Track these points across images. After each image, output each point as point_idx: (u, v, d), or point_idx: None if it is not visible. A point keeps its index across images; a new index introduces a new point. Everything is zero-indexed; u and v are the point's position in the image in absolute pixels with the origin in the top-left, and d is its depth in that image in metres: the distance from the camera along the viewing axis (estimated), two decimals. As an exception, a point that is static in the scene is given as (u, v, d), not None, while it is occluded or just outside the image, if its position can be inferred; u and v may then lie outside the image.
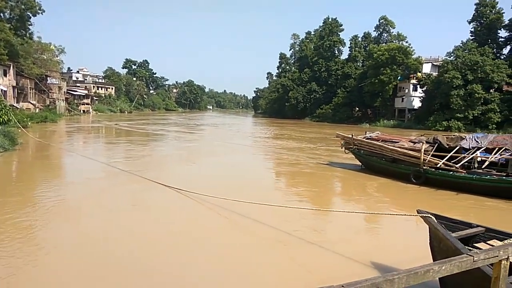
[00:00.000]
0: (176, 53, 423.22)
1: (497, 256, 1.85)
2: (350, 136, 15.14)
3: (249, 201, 7.74)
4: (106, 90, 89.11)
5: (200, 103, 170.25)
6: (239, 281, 5.07)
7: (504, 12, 51.24)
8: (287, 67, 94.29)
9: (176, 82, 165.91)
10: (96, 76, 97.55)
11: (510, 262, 3.65)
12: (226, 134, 35.70)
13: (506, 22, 50.49)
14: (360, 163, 15.17)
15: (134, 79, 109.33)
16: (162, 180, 11.01)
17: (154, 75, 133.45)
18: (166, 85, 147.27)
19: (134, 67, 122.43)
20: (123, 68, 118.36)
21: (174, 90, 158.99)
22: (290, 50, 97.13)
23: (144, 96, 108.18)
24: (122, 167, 13.70)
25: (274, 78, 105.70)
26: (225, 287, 4.95)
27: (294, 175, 14.28)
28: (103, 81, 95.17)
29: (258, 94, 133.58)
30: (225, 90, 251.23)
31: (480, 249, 3.22)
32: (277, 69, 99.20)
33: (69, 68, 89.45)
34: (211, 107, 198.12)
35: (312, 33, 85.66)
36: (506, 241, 3.79)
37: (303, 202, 9.71)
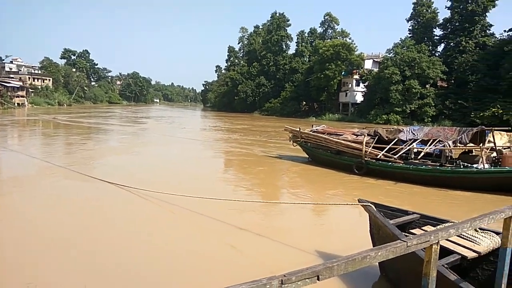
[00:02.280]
0: (119, 43, 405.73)
1: (428, 241, 1.98)
2: (298, 129, 15.49)
3: (193, 195, 7.67)
4: (43, 82, 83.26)
5: (146, 96, 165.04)
6: (184, 275, 5.01)
7: (439, 12, 54.90)
8: (236, 61, 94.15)
9: (120, 73, 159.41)
10: (32, 66, 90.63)
11: (441, 245, 3.97)
12: (173, 128, 34.99)
13: (441, 21, 54.12)
14: (307, 156, 15.58)
15: (74, 70, 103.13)
16: (98, 175, 10.69)
17: (96, 66, 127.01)
18: (109, 77, 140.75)
19: (73, 57, 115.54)
20: (61, 58, 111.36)
21: (118, 82, 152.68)
22: (238, 43, 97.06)
23: (85, 88, 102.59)
24: (56, 162, 13.03)
25: (223, 71, 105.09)
26: (168, 281, 4.86)
27: (242, 168, 14.36)
28: (39, 72, 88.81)
29: (207, 87, 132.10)
30: (172, 83, 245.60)
31: (414, 234, 3.45)
32: (226, 62, 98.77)
33: (0, 58, 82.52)
34: (158, 100, 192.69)
35: (260, 27, 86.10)
36: (438, 226, 4.09)
37: (250, 194, 9.79)
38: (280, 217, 8.03)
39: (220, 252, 5.79)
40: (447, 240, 4.00)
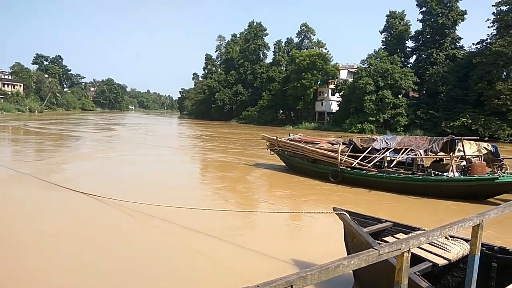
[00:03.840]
0: (94, 49, 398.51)
1: (400, 249, 2.01)
2: (275, 138, 15.56)
3: (164, 205, 7.53)
4: (13, 88, 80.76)
5: (121, 103, 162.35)
6: (158, 285, 4.90)
7: (411, 24, 56.95)
8: (213, 69, 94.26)
9: (94, 80, 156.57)
10: (2, 72, 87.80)
11: (413, 253, 4.04)
12: (148, 136, 34.48)
13: (413, 33, 56.03)
14: (284, 164, 15.65)
15: (46, 76, 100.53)
16: (61, 182, 10.46)
17: (69, 72, 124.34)
18: (83, 83, 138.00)
19: (46, 63, 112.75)
20: (33, 63, 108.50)
21: (92, 89, 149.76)
22: (216, 51, 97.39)
23: (58, 94, 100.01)
24: (22, 169, 12.64)
25: (200, 79, 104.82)
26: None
27: (218, 176, 14.27)
28: (9, 77, 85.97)
29: (184, 95, 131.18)
30: (148, 90, 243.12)
31: (387, 242, 3.50)
32: (203, 70, 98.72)
33: (-33, 62, 79.48)
34: (133, 108, 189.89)
35: (238, 35, 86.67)
36: (410, 234, 4.17)
37: (226, 203, 9.71)
38: (256, 226, 7.99)
39: (193, 263, 5.70)
40: (419, 247, 4.09)
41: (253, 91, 76.28)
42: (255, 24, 78.74)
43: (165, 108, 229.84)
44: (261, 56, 79.74)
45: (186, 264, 5.61)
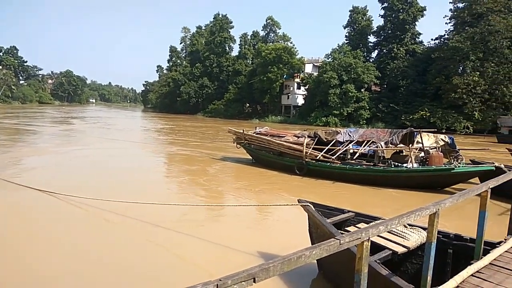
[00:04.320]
0: (51, 39, 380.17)
1: (360, 238, 2.05)
2: (241, 131, 15.54)
3: (126, 200, 7.37)
4: (-38, 79, 75.64)
5: (81, 96, 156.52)
6: (116, 283, 4.78)
7: (373, 20, 58.41)
8: (178, 61, 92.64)
9: (52, 72, 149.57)
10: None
11: (375, 242, 4.16)
12: (110, 130, 33.45)
13: (375, 28, 57.51)
14: (251, 157, 15.68)
15: (0, 67, 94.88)
16: (17, 179, 10.00)
17: (25, 64, 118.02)
18: (40, 75, 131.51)
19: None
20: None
21: (50, 81, 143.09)
22: (180, 43, 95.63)
23: (13, 87, 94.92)
24: None
25: (165, 71, 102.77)
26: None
27: (184, 170, 14.08)
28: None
29: (148, 87, 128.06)
30: (110, 83, 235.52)
31: (349, 232, 3.58)
32: (168, 63, 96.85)
33: None
34: (93, 101, 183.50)
35: (203, 28, 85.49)
36: (370, 223, 4.29)
37: (191, 198, 9.62)
38: (222, 219, 7.97)
39: (155, 258, 5.59)
40: (379, 236, 4.22)
41: (219, 84, 75.69)
42: (220, 16, 77.93)
43: (128, 101, 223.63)
44: (227, 49, 79.13)
45: (148, 260, 5.50)
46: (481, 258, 3.55)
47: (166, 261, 5.52)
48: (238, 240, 6.39)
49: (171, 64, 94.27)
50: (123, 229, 6.91)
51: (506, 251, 3.84)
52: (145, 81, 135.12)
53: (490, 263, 3.52)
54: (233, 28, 79.45)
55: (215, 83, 76.33)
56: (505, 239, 4.14)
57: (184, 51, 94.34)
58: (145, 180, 11.78)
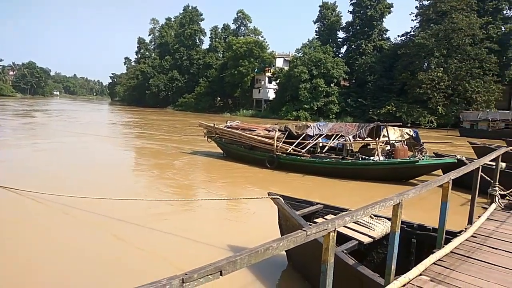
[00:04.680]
0: (12, 29, 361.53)
1: (326, 229, 2.08)
2: (212, 125, 15.43)
3: (92, 196, 7.16)
4: None
5: (44, 88, 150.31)
6: (82, 280, 4.65)
7: (342, 16, 59.25)
8: (147, 53, 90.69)
9: (14, 63, 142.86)
10: None
11: (342, 232, 4.25)
12: (72, 123, 32.35)
13: (344, 24, 58.40)
14: (222, 151, 15.62)
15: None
16: None
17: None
18: (0, 67, 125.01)
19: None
20: None
21: (11, 73, 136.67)
22: (149, 35, 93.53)
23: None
24: None
25: (133, 63, 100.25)
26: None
27: (154, 165, 13.84)
28: None
29: (115, 80, 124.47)
30: (75, 75, 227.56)
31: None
32: (136, 55, 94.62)
33: None
34: (58, 93, 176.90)
35: (173, 19, 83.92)
36: (338, 215, 4.38)
37: (161, 192, 9.47)
38: (191, 213, 7.90)
39: (122, 253, 5.49)
40: (347, 227, 4.32)
41: (190, 77, 74.71)
42: (190, 8, 76.76)
43: (94, 94, 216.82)
44: (198, 41, 78.15)
45: (113, 256, 5.39)
46: (443, 247, 3.69)
47: (132, 256, 5.43)
48: (208, 233, 6.36)
49: (139, 56, 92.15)
50: (87, 225, 6.71)
51: (466, 240, 4.02)
52: (112, 73, 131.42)
53: (451, 252, 3.67)
54: (203, 20, 78.71)
55: (186, 76, 75.29)
56: (465, 228, 4.34)
57: (153, 43, 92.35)
58: (111, 175, 11.50)
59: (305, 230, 1.96)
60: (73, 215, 7.06)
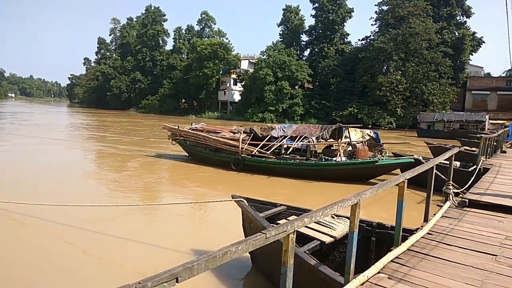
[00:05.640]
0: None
1: (286, 231, 2.09)
2: (176, 127, 15.22)
3: (50, 204, 6.84)
4: None
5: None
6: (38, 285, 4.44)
7: (305, 19, 60.14)
8: (108, 54, 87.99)
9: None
10: None
11: (304, 233, 4.31)
12: (25, 126, 30.83)
13: (307, 28, 59.38)
14: (187, 154, 15.43)
15: None
16: None
17: None
18: None
19: None
20: None
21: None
22: (110, 35, 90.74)
23: None
24: None
25: (93, 64, 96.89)
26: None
27: (116, 169, 13.43)
28: None
29: (74, 81, 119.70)
30: (31, 76, 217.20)
31: (280, 225, 3.65)
32: (96, 55, 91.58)
33: None
34: (13, 95, 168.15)
35: (134, 19, 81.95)
36: (298, 217, 4.44)
37: (125, 198, 9.21)
38: (153, 218, 7.74)
39: (76, 261, 5.28)
40: (309, 228, 4.38)
41: (153, 79, 73.15)
42: (153, 8, 75.24)
43: (52, 95, 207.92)
44: (161, 42, 76.68)
45: (65, 264, 5.18)
46: (400, 244, 3.81)
47: (87, 264, 5.23)
48: (170, 239, 6.25)
49: (99, 56, 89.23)
50: (40, 232, 6.41)
51: (422, 237, 4.18)
52: (71, 75, 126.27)
53: (408, 249, 3.80)
54: (166, 21, 77.32)
55: (149, 78, 73.65)
56: (422, 226, 4.51)
57: (114, 43, 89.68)
58: (66, 180, 11.02)
59: (264, 233, 1.96)
60: (21, 222, 6.71)
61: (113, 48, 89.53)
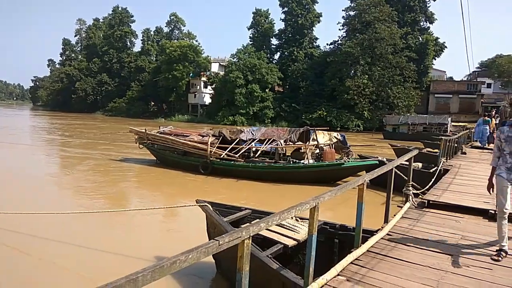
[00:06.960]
0: None
1: (240, 237, 2.05)
2: (144, 131, 14.91)
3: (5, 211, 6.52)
4: None
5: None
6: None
7: (275, 23, 60.53)
8: (73, 55, 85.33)
9: None
10: None
11: (267, 237, 4.30)
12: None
13: (277, 31, 59.83)
14: (155, 158, 15.14)
15: None
16: None
17: None
18: None
19: None
20: None
21: None
22: (75, 36, 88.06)
23: None
24: None
25: (57, 66, 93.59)
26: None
27: (81, 174, 12.98)
28: None
29: (37, 83, 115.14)
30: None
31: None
32: (61, 56, 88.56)
33: None
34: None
35: (101, 20, 79.95)
36: (253, 222, 4.42)
37: (88, 204, 8.90)
38: (116, 225, 7.49)
39: (32, 271, 5.06)
40: (272, 231, 4.38)
41: (121, 81, 71.46)
42: (120, 9, 73.65)
43: (14, 98, 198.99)
44: (128, 44, 75.20)
45: (21, 273, 4.93)
46: (360, 246, 3.86)
47: (42, 273, 5.01)
48: (132, 246, 6.07)
49: (64, 58, 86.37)
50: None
51: (382, 238, 4.26)
52: (34, 77, 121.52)
53: (367, 251, 3.85)
54: (134, 22, 75.95)
55: (116, 80, 71.90)
56: (382, 227, 4.60)
57: (80, 44, 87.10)
58: (26, 186, 10.52)
59: (217, 240, 1.92)
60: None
61: (78, 49, 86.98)
